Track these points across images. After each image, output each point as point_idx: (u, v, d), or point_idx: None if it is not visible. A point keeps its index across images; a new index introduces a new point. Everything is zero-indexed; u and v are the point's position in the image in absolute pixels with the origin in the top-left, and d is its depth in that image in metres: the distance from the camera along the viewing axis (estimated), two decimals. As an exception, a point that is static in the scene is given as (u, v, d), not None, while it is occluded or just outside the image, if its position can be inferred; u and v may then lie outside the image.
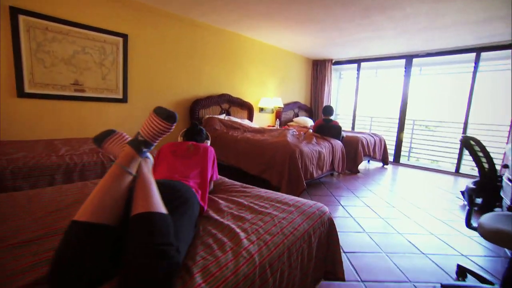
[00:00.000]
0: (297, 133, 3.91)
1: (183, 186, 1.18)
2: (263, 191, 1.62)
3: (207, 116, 4.15)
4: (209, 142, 1.77)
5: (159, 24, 3.61)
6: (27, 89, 2.77)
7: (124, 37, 3.29)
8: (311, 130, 4.51)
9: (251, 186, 1.71)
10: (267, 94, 5.36)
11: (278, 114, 5.50)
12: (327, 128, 4.05)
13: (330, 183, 3.77)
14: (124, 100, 3.41)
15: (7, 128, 2.72)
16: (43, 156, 2.11)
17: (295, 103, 5.97)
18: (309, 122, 5.55)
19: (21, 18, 2.66)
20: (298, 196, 2.80)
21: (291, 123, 5.67)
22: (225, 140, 3.64)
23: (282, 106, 5.42)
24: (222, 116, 4.32)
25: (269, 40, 4.92)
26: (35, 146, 2.39)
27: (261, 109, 5.30)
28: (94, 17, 3.08)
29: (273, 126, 5.24)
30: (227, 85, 4.61)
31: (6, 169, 1.90)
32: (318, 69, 6.30)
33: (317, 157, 3.28)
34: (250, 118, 4.95)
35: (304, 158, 3.04)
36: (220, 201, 1.43)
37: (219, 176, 1.77)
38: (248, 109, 4.93)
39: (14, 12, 2.62)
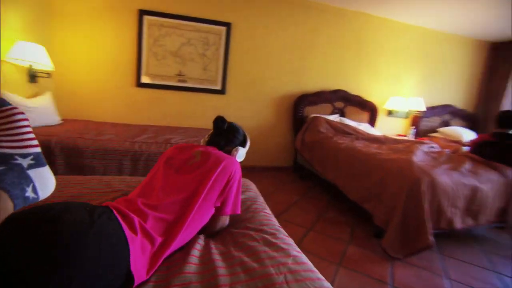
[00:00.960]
0: (437, 149, 2.56)
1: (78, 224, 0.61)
2: (303, 259, 0.85)
3: (312, 115, 3.45)
4: (240, 152, 1.15)
5: (263, 9, 3.23)
6: (143, 80, 3.07)
7: (227, 25, 3.13)
8: (464, 149, 2.91)
9: (284, 237, 0.96)
10: (400, 93, 3.99)
11: (415, 121, 4.00)
12: (501, 148, 2.42)
13: (493, 243, 2.23)
14: (222, 91, 3.28)
15: (126, 113, 3.12)
16: (120, 140, 2.16)
17: (446, 106, 4.17)
18: (466, 136, 3.71)
19: (145, 18, 2.95)
20: (414, 254, 1.71)
21: (433, 135, 4.00)
22: (326, 148, 2.85)
23: (423, 109, 3.89)
24: (333, 117, 3.49)
25: (409, 18, 3.56)
26: (127, 130, 2.55)
27: (390, 112, 4.00)
28: (201, 8, 3.06)
29: (405, 136, 3.84)
30: (343, 79, 3.70)
31: (88, 148, 2.03)
32: (501, 55, 4.14)
33: (469, 195, 1.94)
34: (372, 122, 3.82)
35: (438, 193, 1.83)
36: (216, 259, 0.81)
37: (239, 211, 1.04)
38: (370, 111, 3.81)
39: (141, 14, 2.93)
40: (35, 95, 2.55)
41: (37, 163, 0.53)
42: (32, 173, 0.51)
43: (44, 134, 2.04)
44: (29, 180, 0.49)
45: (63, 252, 0.54)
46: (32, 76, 2.53)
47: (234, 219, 1.08)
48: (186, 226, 0.82)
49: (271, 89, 3.45)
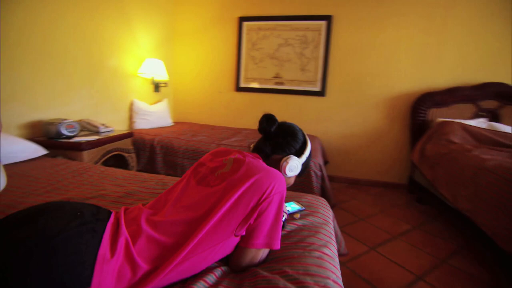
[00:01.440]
0: None
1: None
2: None
3: (440, 119, 2.59)
4: (292, 163, 0.86)
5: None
6: (242, 84, 3.17)
7: (328, 19, 2.78)
8: None
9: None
10: None
11: None
12: None
13: None
14: (321, 93, 2.95)
15: (226, 116, 3.30)
16: (208, 142, 2.25)
17: None
18: None
19: (244, 24, 3.03)
20: None
21: None
22: (459, 164, 2.02)
23: None
24: (475, 122, 2.50)
25: None
26: (220, 132, 2.64)
27: None
28: (297, 4, 2.86)
29: None
30: (497, 68, 2.59)
31: (181, 148, 2.20)
32: None
33: None
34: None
35: None
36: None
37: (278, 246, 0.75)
38: (551, 113, 2.50)
39: (241, 21, 3.04)
40: (156, 102, 3.05)
41: None
42: None
43: (152, 134, 2.36)
44: None
45: (15, 259, 0.50)
46: (156, 86, 3.04)
47: (270, 254, 0.80)
48: (186, 255, 0.63)
49: (380, 88, 2.82)
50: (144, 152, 2.29)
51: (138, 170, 2.18)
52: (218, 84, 3.25)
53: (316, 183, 1.97)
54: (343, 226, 2.01)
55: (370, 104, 2.87)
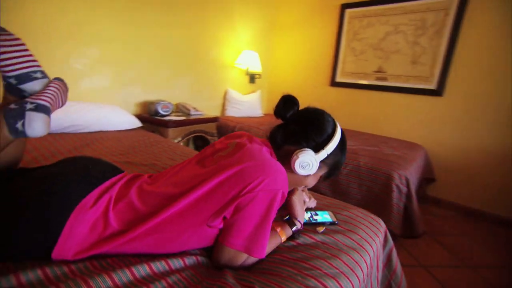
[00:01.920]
0: None
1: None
2: None
3: None
4: (305, 158, 0.69)
5: None
6: (338, 79, 2.89)
7: (462, -6, 2.11)
8: None
9: None
10: None
11: None
12: None
13: None
14: (438, 92, 2.31)
15: (316, 113, 3.10)
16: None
17: None
18: None
19: (347, 12, 2.73)
20: None
21: None
22: None
23: None
24: None
25: None
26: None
27: None
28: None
29: None
30: None
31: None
32: None
33: None
34: None
35: None
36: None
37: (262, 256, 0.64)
38: None
39: (343, 8, 2.76)
40: (250, 92, 3.20)
41: (36, 109, 0.62)
42: (28, 113, 0.58)
43: (237, 122, 2.53)
44: (22, 117, 0.60)
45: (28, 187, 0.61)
46: (251, 77, 3.19)
47: (259, 262, 0.68)
48: (152, 227, 0.61)
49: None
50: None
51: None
52: (313, 77, 3.08)
53: (397, 200, 1.57)
54: (433, 266, 1.52)
55: (508, 112, 2.02)
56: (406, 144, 2.26)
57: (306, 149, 0.70)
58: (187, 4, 2.34)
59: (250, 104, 3.01)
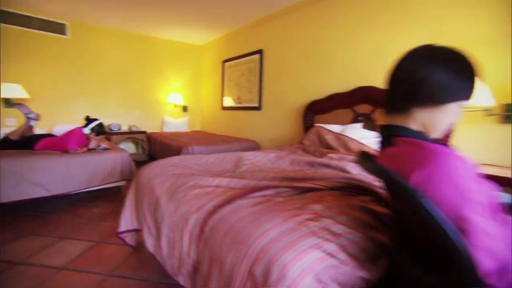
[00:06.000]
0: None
1: None
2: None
3: (316, 124, 2.93)
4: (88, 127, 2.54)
5: (288, 32, 3.47)
6: (224, 105, 4.68)
7: (260, 52, 3.82)
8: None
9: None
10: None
11: None
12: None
13: None
14: (259, 107, 3.94)
15: (215, 125, 4.88)
16: (178, 142, 4.03)
17: None
18: None
19: (225, 64, 4.61)
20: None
21: None
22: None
23: None
24: (348, 128, 2.60)
25: None
26: (200, 135, 4.31)
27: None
28: (243, 44, 4.09)
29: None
30: (372, 72, 2.64)
31: (157, 140, 4.14)
32: None
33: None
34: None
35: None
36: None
37: None
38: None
39: (224, 62, 4.63)
40: (183, 117, 5.14)
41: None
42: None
43: (159, 134, 4.46)
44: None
45: None
46: (184, 108, 5.16)
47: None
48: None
49: (292, 99, 3.46)
50: (149, 141, 4.41)
51: (148, 153, 4.30)
52: (214, 105, 4.94)
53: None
54: None
55: (286, 113, 3.55)
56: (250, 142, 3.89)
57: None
58: (135, 68, 4.51)
59: (178, 124, 4.95)
